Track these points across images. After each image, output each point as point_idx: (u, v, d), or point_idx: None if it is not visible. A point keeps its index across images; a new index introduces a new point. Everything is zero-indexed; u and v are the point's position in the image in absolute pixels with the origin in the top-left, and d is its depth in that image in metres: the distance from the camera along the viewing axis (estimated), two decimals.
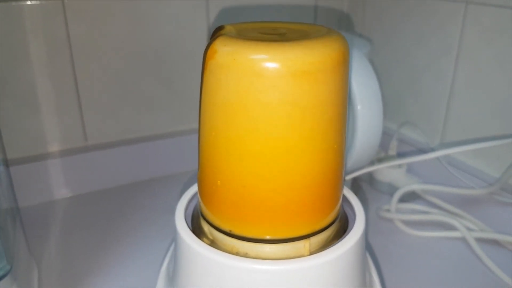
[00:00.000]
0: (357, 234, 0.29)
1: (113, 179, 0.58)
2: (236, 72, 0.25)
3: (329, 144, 0.27)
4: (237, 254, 0.28)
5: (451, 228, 0.48)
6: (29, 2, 0.49)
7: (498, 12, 0.46)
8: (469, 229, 0.47)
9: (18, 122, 0.53)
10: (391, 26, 0.60)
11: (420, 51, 0.56)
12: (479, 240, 0.46)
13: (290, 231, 0.28)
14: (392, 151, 0.57)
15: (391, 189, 0.54)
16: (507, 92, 0.47)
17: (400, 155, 0.58)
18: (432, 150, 0.54)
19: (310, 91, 0.25)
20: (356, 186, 0.57)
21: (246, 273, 0.26)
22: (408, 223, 0.50)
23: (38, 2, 0.49)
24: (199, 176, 0.30)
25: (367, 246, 0.44)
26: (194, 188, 0.34)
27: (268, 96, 0.25)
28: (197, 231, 0.30)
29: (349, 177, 0.47)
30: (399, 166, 0.55)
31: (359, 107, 0.41)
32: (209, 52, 0.26)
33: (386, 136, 0.54)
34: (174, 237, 0.31)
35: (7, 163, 0.52)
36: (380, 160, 0.55)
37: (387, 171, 0.55)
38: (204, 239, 0.29)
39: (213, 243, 0.29)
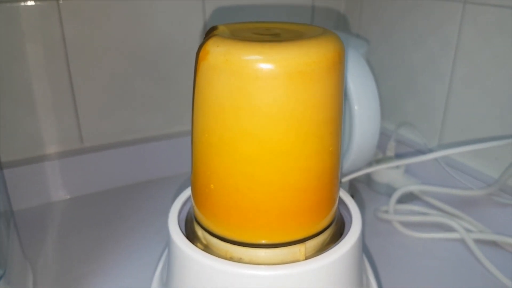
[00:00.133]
0: (353, 238, 0.29)
1: (109, 181, 0.58)
2: (229, 73, 0.24)
3: (324, 146, 0.27)
4: (231, 259, 0.27)
5: (450, 229, 0.47)
6: (24, 3, 0.49)
7: (496, 12, 0.46)
8: (468, 230, 0.47)
9: (14, 124, 0.52)
10: (388, 26, 0.60)
11: (418, 51, 0.56)
12: (477, 241, 0.45)
13: (285, 235, 0.27)
14: (390, 152, 0.57)
15: (389, 190, 0.54)
16: (505, 92, 0.47)
17: (398, 155, 0.57)
18: (430, 150, 0.54)
19: (305, 92, 0.25)
20: (353, 188, 0.57)
21: (240, 278, 0.26)
22: (406, 224, 0.49)
23: (33, 3, 0.49)
24: (192, 180, 0.30)
25: (363, 248, 0.44)
26: (187, 192, 0.33)
27: (262, 98, 0.24)
28: (191, 235, 0.29)
29: (346, 179, 0.47)
30: (397, 166, 0.55)
31: (356, 107, 0.41)
32: (201, 53, 0.25)
33: (383, 136, 0.54)
34: (167, 242, 0.30)
35: (0, 166, 0.51)
36: (378, 161, 0.55)
37: (385, 172, 0.55)
38: (198, 243, 0.29)
39: (207, 248, 0.28)
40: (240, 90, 0.24)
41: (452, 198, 0.51)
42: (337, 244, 0.28)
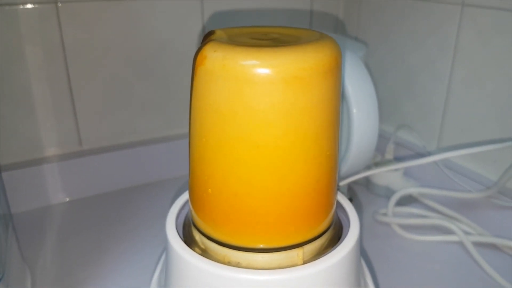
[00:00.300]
0: (351, 242, 0.29)
1: (108, 184, 0.58)
2: (227, 78, 0.24)
3: (322, 151, 0.27)
4: (229, 263, 0.27)
5: (449, 232, 0.47)
6: (23, 6, 0.49)
7: (494, 14, 0.46)
8: (467, 233, 0.47)
9: (13, 127, 0.52)
10: (387, 28, 0.60)
11: (417, 53, 0.56)
12: (476, 244, 0.45)
13: (283, 240, 0.27)
14: (389, 155, 0.57)
15: (388, 192, 0.54)
16: (504, 94, 0.47)
17: (397, 158, 0.57)
18: (429, 153, 0.54)
19: (302, 97, 0.25)
20: (352, 191, 0.57)
21: (238, 283, 0.26)
22: (405, 227, 0.49)
23: (32, 6, 0.49)
24: (190, 184, 0.30)
25: (361, 252, 0.44)
26: (185, 196, 0.33)
27: (259, 103, 0.24)
28: (189, 240, 0.29)
29: (345, 182, 0.47)
30: (396, 169, 0.55)
31: (354, 110, 0.41)
32: (198, 58, 0.25)
33: (382, 139, 0.54)
34: (165, 246, 0.30)
35: None
36: (376, 164, 0.55)
37: (384, 175, 0.55)
38: (196, 248, 0.28)
39: (204, 253, 0.28)
40: (238, 95, 0.24)
41: (451, 200, 0.51)
42: (335, 249, 0.28)
